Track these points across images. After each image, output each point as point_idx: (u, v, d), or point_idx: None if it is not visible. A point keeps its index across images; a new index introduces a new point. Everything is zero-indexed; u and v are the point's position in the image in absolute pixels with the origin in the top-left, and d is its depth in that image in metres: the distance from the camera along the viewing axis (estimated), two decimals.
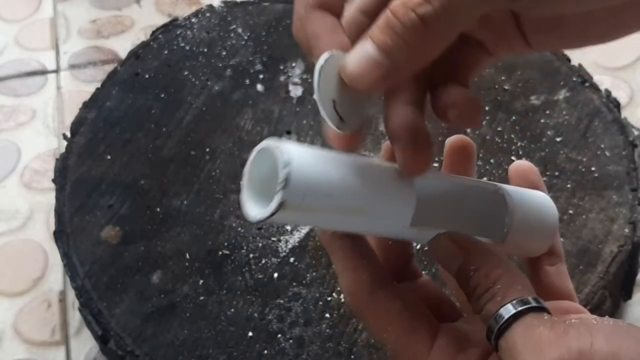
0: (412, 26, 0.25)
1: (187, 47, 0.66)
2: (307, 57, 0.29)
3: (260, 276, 0.52)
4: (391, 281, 0.31)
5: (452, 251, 0.30)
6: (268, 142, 0.27)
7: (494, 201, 0.32)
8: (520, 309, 0.27)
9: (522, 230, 0.32)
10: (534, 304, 0.27)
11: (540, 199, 0.34)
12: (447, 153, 0.35)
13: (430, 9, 0.25)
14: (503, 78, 0.62)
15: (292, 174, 0.26)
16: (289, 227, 0.54)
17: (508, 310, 0.27)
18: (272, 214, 0.26)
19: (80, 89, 0.76)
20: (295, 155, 0.26)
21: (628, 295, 0.57)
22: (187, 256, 0.53)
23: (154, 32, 0.68)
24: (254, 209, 0.28)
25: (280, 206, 0.26)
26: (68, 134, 0.61)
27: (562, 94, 0.61)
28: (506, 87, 0.61)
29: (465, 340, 0.30)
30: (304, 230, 0.54)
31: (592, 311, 0.48)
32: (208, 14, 0.69)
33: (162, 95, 0.63)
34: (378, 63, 0.26)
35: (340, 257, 0.31)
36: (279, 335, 0.49)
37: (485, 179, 0.55)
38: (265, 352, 0.49)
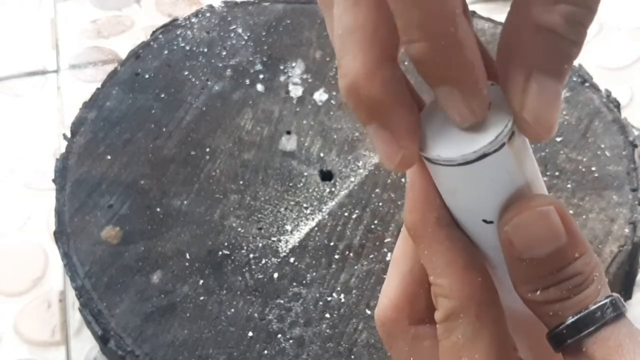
0: None
1: (187, 47, 0.66)
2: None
3: (260, 276, 0.52)
4: (500, 304, 0.26)
5: (556, 230, 0.24)
6: None
7: None
8: (623, 309, 0.24)
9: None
10: (624, 307, 0.24)
11: None
12: None
13: None
14: None
15: None
16: (289, 227, 0.54)
17: (613, 304, 0.24)
18: (497, 149, 0.24)
19: (80, 89, 0.76)
20: None
21: (628, 295, 0.57)
22: (187, 256, 0.53)
23: (154, 32, 0.68)
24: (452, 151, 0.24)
25: (510, 137, 0.24)
26: (68, 134, 0.61)
27: (562, 94, 0.61)
28: None
29: None
30: (304, 230, 0.54)
31: None
32: (208, 14, 0.69)
33: (162, 95, 0.63)
34: None
35: (447, 249, 0.26)
36: (279, 335, 0.49)
37: None
38: (265, 352, 0.49)
